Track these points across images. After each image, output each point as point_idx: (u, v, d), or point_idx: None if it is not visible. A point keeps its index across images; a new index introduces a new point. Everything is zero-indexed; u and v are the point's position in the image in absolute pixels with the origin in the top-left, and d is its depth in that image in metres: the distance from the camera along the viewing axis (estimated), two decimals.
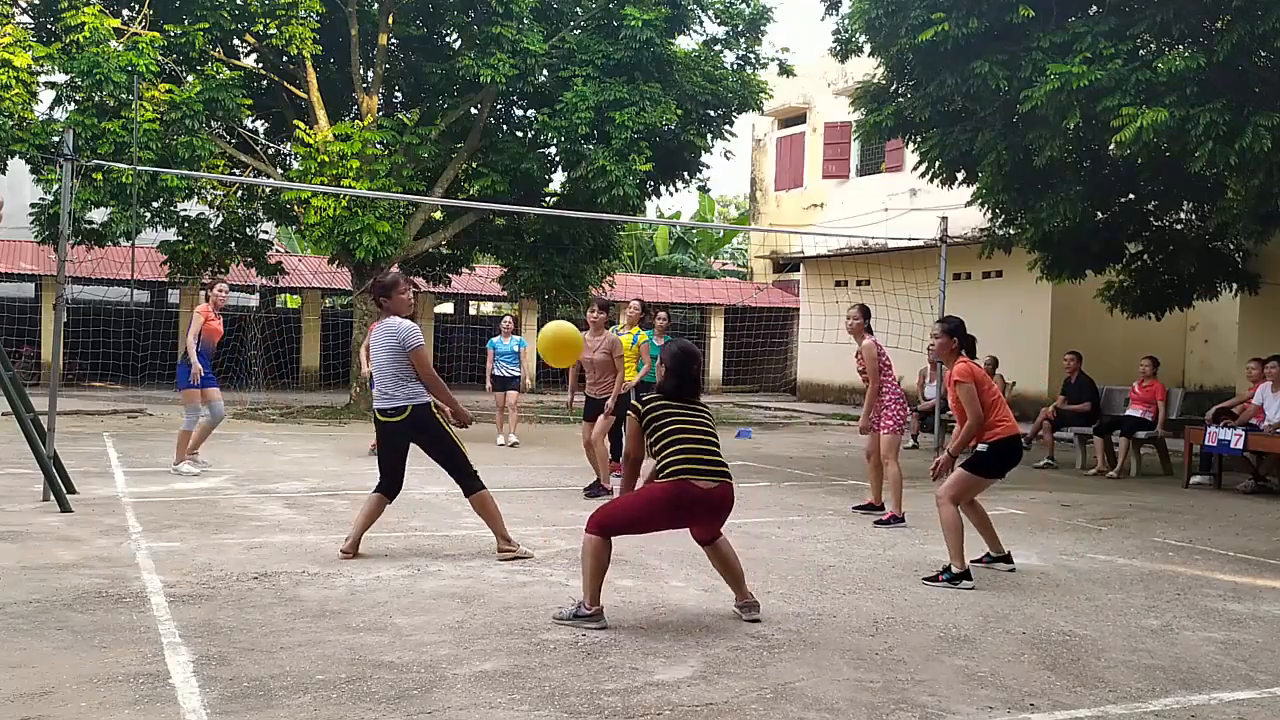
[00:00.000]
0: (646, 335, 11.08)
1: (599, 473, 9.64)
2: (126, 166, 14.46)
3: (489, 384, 14.61)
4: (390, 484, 6.91)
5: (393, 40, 18.91)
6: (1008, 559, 7.02)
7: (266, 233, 20.79)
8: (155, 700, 4.09)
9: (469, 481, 6.82)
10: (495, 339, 14.76)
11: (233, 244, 18.98)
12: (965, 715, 4.21)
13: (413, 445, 6.91)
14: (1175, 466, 12.93)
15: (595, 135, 17.49)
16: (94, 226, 17.08)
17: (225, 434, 14.55)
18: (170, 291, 25.17)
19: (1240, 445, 11.33)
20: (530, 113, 19.84)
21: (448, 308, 32.10)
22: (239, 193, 19.01)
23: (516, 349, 14.64)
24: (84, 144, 14.93)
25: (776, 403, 25.46)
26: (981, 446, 6.68)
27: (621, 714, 4.09)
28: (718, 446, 5.43)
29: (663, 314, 12.39)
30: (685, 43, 19.33)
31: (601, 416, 9.76)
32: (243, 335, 24.21)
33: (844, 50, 15.09)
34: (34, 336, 23.00)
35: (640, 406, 5.45)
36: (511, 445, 13.94)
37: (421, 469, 10.90)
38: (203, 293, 11.49)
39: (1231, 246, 14.84)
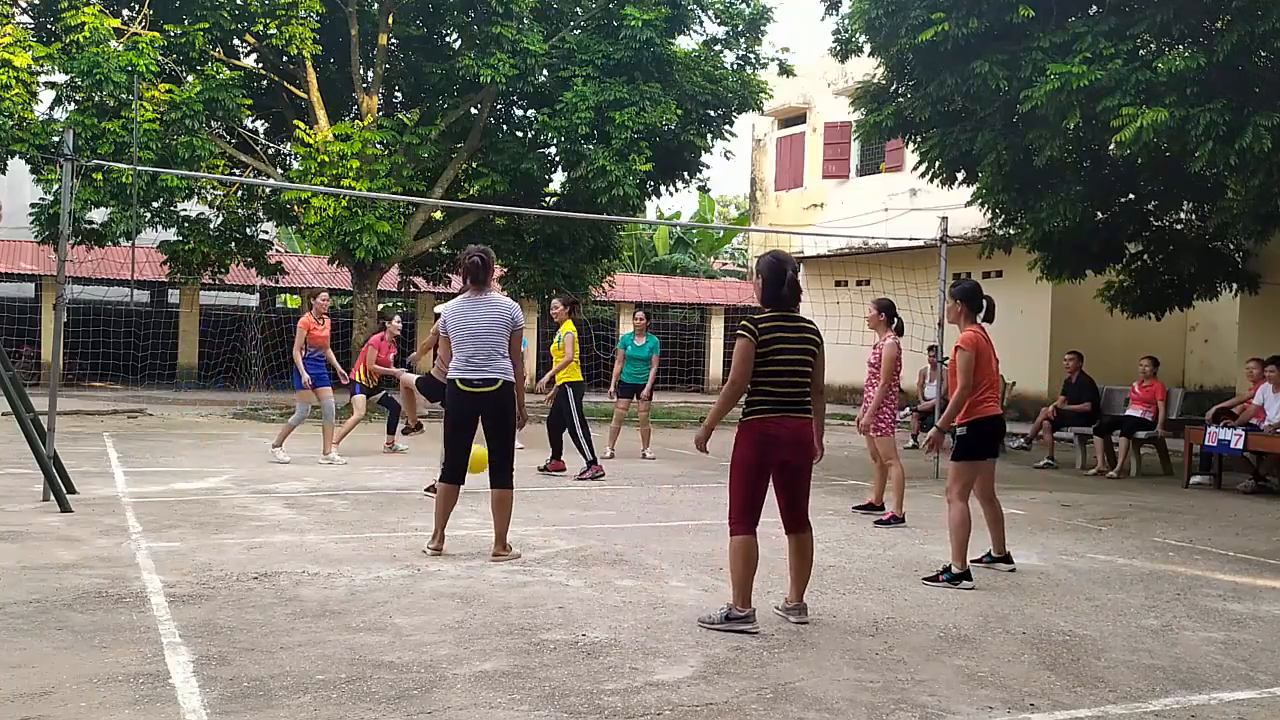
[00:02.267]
0: (572, 329, 11.35)
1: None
2: (126, 166, 14.46)
3: None
4: (456, 466, 6.89)
5: (393, 40, 18.91)
6: (1008, 559, 7.02)
7: (266, 233, 20.81)
8: (155, 700, 4.09)
9: (504, 475, 6.83)
10: None
11: (233, 244, 18.99)
12: (965, 715, 4.21)
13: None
14: (1175, 466, 12.92)
15: (595, 135, 17.49)
16: (94, 226, 17.08)
17: (225, 434, 14.57)
18: (170, 291, 25.17)
19: (1240, 445, 11.32)
20: (530, 113, 19.86)
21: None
22: (239, 193, 19.01)
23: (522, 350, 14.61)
24: (84, 144, 14.94)
25: None
26: (960, 430, 6.69)
27: (621, 714, 4.08)
28: (808, 379, 5.45)
29: (640, 313, 12.48)
30: (685, 43, 19.38)
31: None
32: (243, 335, 24.23)
33: (844, 50, 15.09)
34: (34, 336, 23.00)
35: (753, 325, 5.39)
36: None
37: (420, 468, 10.94)
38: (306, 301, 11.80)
39: (1231, 246, 14.83)
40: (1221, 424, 11.82)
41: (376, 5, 18.39)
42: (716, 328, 29.53)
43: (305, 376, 11.39)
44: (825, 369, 5.63)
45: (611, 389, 13.34)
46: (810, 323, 5.59)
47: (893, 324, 8.96)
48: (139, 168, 14.38)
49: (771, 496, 5.57)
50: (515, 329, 6.85)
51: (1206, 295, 15.11)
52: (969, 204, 15.05)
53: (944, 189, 14.63)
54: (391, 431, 13.14)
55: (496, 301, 6.85)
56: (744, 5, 19.25)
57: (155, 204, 17.26)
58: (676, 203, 79.86)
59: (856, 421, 9.29)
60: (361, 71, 18.43)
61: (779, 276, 5.48)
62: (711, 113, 19.29)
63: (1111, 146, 11.57)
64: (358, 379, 12.66)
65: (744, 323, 5.47)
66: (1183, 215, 14.79)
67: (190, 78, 16.75)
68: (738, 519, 5.39)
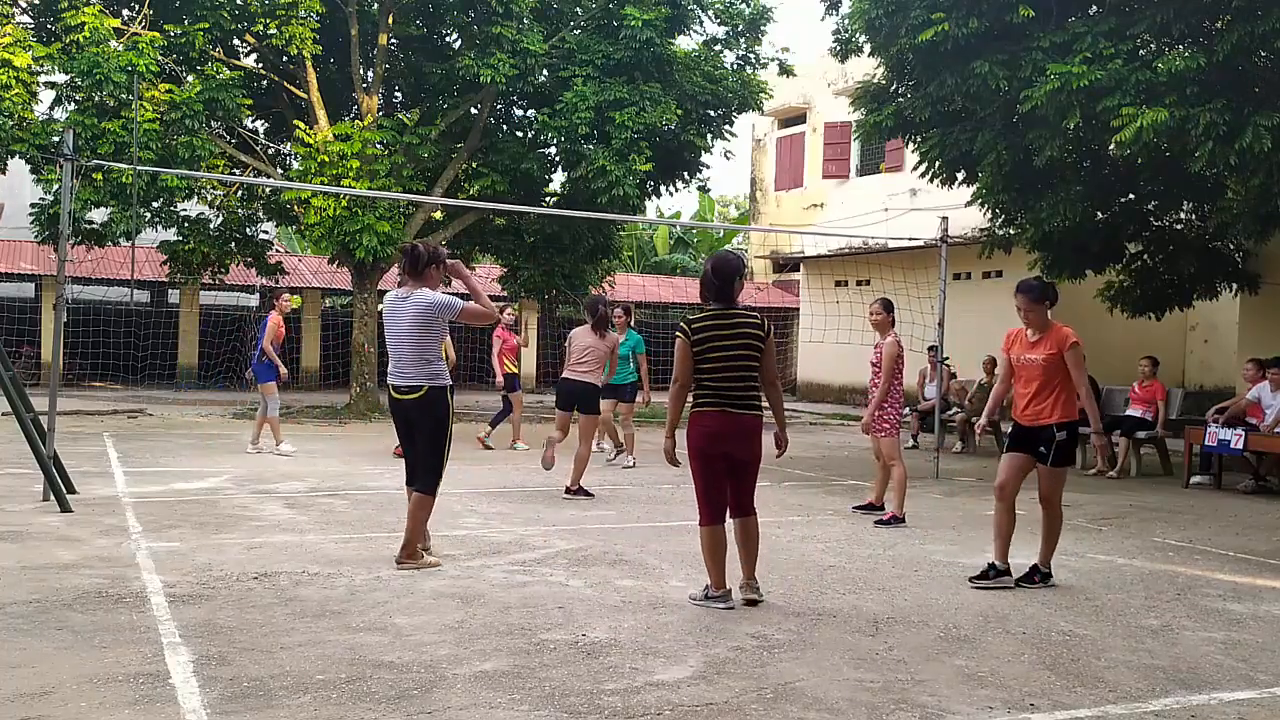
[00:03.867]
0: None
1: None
2: (126, 166, 14.45)
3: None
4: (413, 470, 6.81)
5: (393, 40, 18.90)
6: (1007, 572, 6.92)
7: (266, 233, 20.79)
8: (155, 700, 4.09)
9: (428, 479, 6.50)
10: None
11: (233, 244, 18.97)
12: (965, 715, 4.21)
13: None
14: (1175, 466, 12.92)
15: (595, 135, 17.49)
16: (94, 226, 17.07)
17: (225, 434, 14.57)
18: (170, 291, 25.16)
19: (1240, 445, 11.32)
20: (530, 113, 19.85)
21: None
22: (239, 193, 19.00)
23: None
24: (84, 144, 14.91)
25: None
26: (1061, 435, 6.46)
27: (621, 714, 4.08)
28: (754, 372, 5.65)
29: (619, 310, 12.52)
30: (685, 43, 19.35)
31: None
32: (242, 335, 24.23)
33: (844, 50, 15.09)
34: (34, 336, 22.98)
35: (687, 326, 5.63)
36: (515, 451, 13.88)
37: None
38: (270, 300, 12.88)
39: (1231, 246, 14.82)
40: (1212, 420, 11.83)
41: (376, 5, 18.37)
42: None
43: (283, 370, 12.44)
44: (775, 357, 5.88)
45: None
46: (752, 316, 5.75)
47: (893, 322, 8.96)
48: (139, 168, 14.36)
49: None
50: (456, 313, 6.47)
51: (1206, 295, 15.09)
52: (969, 204, 15.05)
53: (944, 189, 14.63)
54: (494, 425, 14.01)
55: (419, 299, 6.44)
56: (744, 5, 19.23)
57: (155, 204, 17.23)
58: (676, 203, 79.75)
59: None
60: (361, 71, 18.42)
61: (708, 274, 5.76)
62: (711, 113, 19.27)
63: (1111, 146, 11.57)
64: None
65: (680, 323, 5.72)
66: (1183, 215, 14.78)
67: (190, 78, 16.73)
68: (701, 510, 5.79)
